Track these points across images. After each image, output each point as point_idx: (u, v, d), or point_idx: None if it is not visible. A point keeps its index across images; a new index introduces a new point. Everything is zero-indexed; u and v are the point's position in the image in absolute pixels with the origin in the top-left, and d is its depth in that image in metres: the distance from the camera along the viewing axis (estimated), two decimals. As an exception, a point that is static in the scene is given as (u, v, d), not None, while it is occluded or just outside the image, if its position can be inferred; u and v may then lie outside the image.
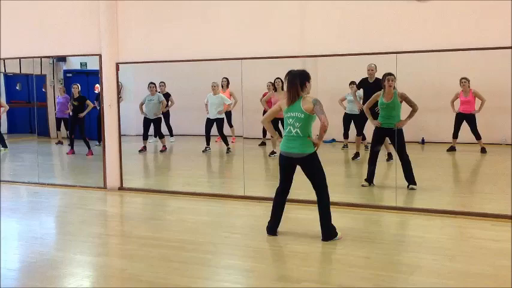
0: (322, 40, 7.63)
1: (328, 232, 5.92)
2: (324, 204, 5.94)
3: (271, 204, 6.19)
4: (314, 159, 5.91)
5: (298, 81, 5.87)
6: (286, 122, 5.97)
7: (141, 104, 12.38)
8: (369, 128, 8.90)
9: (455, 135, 10.31)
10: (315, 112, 5.81)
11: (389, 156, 9.53)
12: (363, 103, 9.06)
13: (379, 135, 8.40)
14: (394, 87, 8.09)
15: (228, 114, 12.31)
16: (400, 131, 8.11)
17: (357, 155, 10.24)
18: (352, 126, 10.68)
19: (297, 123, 5.86)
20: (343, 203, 7.43)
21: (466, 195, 8.51)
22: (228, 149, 12.03)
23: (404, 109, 8.18)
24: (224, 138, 12.00)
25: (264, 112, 10.80)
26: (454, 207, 7.34)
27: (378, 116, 8.35)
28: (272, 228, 6.13)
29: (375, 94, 8.35)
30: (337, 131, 10.93)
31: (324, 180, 5.96)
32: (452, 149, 10.46)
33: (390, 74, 8.04)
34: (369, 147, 8.84)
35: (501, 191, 7.02)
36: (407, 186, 8.04)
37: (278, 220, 6.14)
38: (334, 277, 5.00)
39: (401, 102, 8.11)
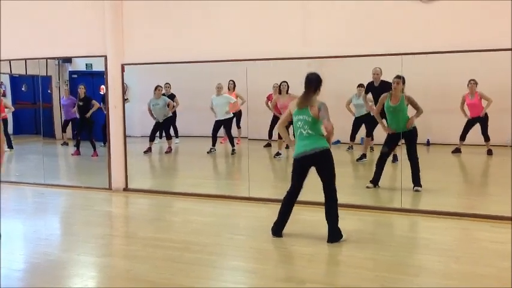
0: (327, 42, 7.62)
1: (335, 234, 5.91)
2: (332, 206, 5.93)
3: (277, 206, 6.20)
4: (330, 155, 5.91)
5: (314, 85, 5.93)
6: (295, 126, 5.98)
7: (149, 108, 12.41)
8: (379, 130, 8.88)
9: (462, 138, 10.29)
10: (320, 116, 5.84)
11: (395, 158, 9.50)
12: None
13: (392, 139, 8.36)
14: (402, 91, 8.09)
15: (238, 115, 12.32)
16: (414, 132, 8.11)
17: (362, 156, 10.21)
18: (362, 127, 10.67)
19: (306, 126, 5.89)
20: (348, 204, 7.40)
21: (472, 197, 8.49)
22: (233, 150, 12.04)
23: (410, 111, 8.18)
24: (231, 139, 12.02)
25: (273, 116, 10.97)
26: (460, 209, 7.31)
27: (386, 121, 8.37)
28: (278, 229, 6.12)
29: (382, 96, 8.35)
30: (343, 133, 10.92)
31: (334, 181, 5.95)
32: (457, 150, 10.43)
33: (398, 77, 8.05)
34: (375, 149, 8.84)
35: (506, 193, 6.99)
36: (413, 188, 8.02)
37: (284, 222, 6.13)
38: (340, 278, 5.00)
39: (407, 105, 8.10)
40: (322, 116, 5.82)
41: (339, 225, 5.95)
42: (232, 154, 12.09)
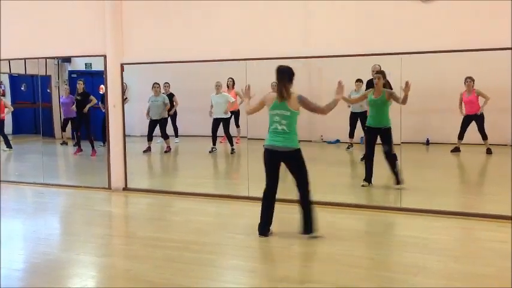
0: (326, 41, 7.63)
1: (308, 226, 5.98)
2: (307, 200, 5.98)
3: (277, 205, 6.17)
4: (299, 155, 5.95)
5: (287, 77, 5.92)
6: (271, 120, 5.97)
7: (149, 109, 12.43)
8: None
9: (460, 136, 10.30)
10: (306, 108, 5.86)
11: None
12: None
13: (370, 134, 8.47)
14: (385, 86, 8.22)
15: (236, 114, 12.34)
16: (389, 130, 8.21)
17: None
18: (359, 125, 10.66)
19: (283, 121, 5.89)
20: (347, 203, 7.44)
21: (471, 196, 8.49)
22: (233, 149, 12.05)
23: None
24: (230, 138, 12.04)
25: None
26: (459, 209, 7.32)
27: (368, 117, 8.52)
28: (263, 229, 6.10)
29: (366, 91, 8.59)
30: (342, 132, 10.93)
31: (307, 177, 5.98)
32: (456, 149, 10.44)
33: (378, 73, 8.26)
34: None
35: (506, 192, 6.99)
36: (395, 186, 8.12)
37: (269, 220, 6.12)
38: (339, 278, 4.98)
39: (388, 99, 8.18)
40: (308, 105, 5.85)
41: (315, 220, 6.00)
42: (231, 153, 12.09)
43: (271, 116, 5.96)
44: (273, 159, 5.97)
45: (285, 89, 5.87)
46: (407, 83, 7.54)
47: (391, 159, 8.12)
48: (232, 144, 12.04)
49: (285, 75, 5.91)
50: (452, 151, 10.49)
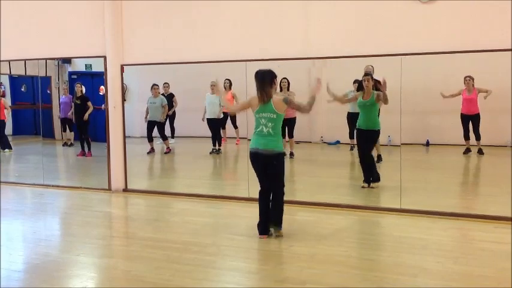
0: (327, 42, 7.64)
1: (280, 222, 6.11)
2: (280, 203, 6.08)
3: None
4: (281, 158, 6.07)
5: (268, 81, 6.01)
6: (258, 122, 6.06)
7: (147, 110, 12.45)
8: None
9: (466, 137, 10.29)
10: (292, 107, 6.05)
11: (379, 158, 9.51)
12: None
13: (361, 136, 8.54)
14: (373, 88, 8.27)
15: (233, 115, 12.33)
16: (376, 133, 8.33)
17: (378, 158, 9.81)
18: None
19: (270, 124, 5.98)
20: (346, 204, 7.44)
21: (470, 198, 8.50)
22: (219, 149, 12.18)
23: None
24: (219, 139, 12.21)
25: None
26: (458, 210, 7.31)
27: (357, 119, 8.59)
28: (264, 228, 6.14)
29: (357, 93, 8.65)
30: (342, 133, 10.90)
31: (284, 181, 6.11)
32: (467, 151, 10.39)
33: (366, 75, 8.35)
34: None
35: (505, 193, 7.00)
36: (368, 185, 8.33)
37: (268, 219, 6.15)
38: (338, 279, 4.99)
39: (377, 102, 8.23)
40: (296, 105, 6.04)
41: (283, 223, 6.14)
42: (217, 154, 12.17)
43: (257, 119, 6.06)
44: (258, 161, 6.06)
45: (266, 94, 5.98)
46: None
47: (369, 160, 8.39)
48: (219, 145, 12.19)
49: (265, 79, 6.01)
50: (464, 153, 10.45)
